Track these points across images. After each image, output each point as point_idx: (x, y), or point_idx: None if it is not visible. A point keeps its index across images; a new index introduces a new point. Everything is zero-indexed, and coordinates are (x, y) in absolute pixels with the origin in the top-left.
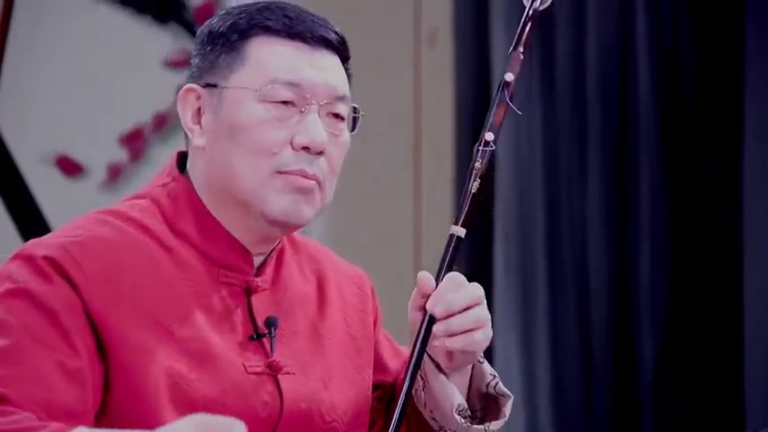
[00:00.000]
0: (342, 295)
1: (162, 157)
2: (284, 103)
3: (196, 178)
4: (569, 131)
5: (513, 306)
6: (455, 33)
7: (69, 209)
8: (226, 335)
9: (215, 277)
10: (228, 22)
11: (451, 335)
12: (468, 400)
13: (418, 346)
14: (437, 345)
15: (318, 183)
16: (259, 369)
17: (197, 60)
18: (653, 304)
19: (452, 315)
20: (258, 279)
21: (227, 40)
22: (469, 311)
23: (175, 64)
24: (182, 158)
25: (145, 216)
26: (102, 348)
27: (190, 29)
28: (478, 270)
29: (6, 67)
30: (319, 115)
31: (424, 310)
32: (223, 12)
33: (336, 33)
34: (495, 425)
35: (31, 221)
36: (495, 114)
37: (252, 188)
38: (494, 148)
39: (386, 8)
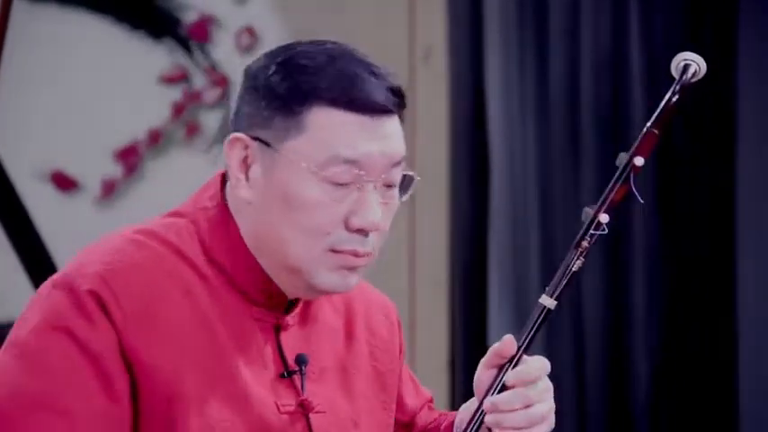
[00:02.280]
0: (369, 326)
1: (156, 172)
2: (343, 184)
3: (239, 222)
4: (563, 149)
5: (508, 326)
6: (449, 51)
7: (64, 224)
8: (258, 373)
9: (247, 312)
10: (287, 84)
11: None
12: None
13: (478, 418)
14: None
15: (369, 256)
16: (291, 408)
17: (246, 108)
18: (647, 323)
19: (501, 411)
20: (288, 316)
21: (286, 104)
22: (526, 411)
23: (170, 80)
24: (224, 179)
25: (182, 240)
26: (133, 386)
27: (184, 44)
28: (473, 291)
29: (1, 82)
30: (375, 188)
31: (497, 369)
32: (279, 60)
33: (396, 93)
34: None
35: (25, 237)
36: (614, 194)
37: (302, 262)
38: (606, 231)
39: (380, 26)
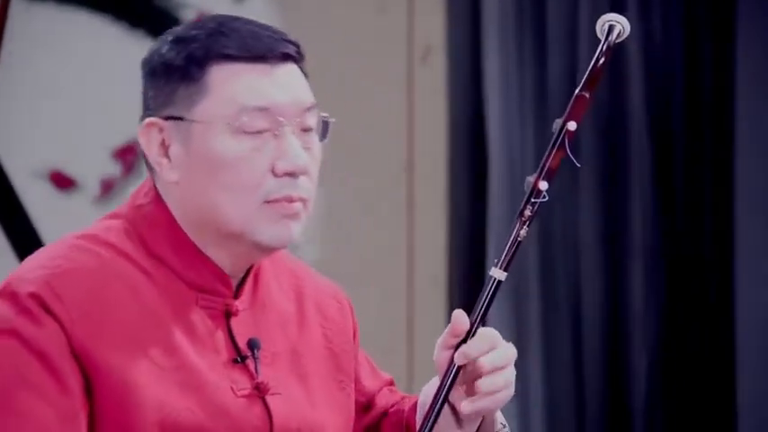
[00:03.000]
0: (321, 310)
1: None
2: (258, 131)
3: (172, 208)
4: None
5: (506, 325)
6: (448, 51)
7: (62, 223)
8: (210, 358)
9: (194, 301)
10: (183, 54)
11: (476, 394)
12: None
13: (442, 395)
14: (462, 404)
15: (303, 202)
16: (247, 391)
17: (151, 93)
18: (646, 322)
19: (480, 376)
20: (237, 302)
21: (185, 73)
22: (498, 373)
23: None
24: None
25: (122, 240)
26: (87, 385)
27: None
28: (472, 291)
29: None
30: (293, 133)
31: (453, 350)
32: (170, 38)
33: (293, 43)
34: None
35: (23, 236)
36: (551, 161)
37: (240, 222)
38: (546, 198)
39: (379, 26)
